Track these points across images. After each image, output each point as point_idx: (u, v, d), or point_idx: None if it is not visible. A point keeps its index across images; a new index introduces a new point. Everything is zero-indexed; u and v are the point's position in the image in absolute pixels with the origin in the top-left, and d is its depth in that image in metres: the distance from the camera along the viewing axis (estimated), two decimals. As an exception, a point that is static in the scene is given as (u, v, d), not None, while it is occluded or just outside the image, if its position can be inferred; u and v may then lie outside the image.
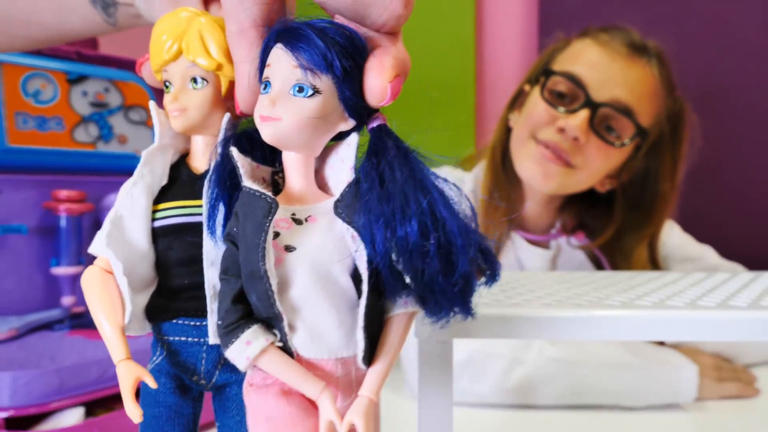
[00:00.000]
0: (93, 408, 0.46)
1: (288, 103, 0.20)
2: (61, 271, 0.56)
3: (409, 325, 0.21)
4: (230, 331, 0.20)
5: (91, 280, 0.23)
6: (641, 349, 0.60)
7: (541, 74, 0.70)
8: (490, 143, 0.76)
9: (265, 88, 0.21)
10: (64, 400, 0.45)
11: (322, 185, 0.22)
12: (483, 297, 0.31)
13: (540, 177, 0.68)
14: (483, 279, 0.21)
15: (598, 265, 0.75)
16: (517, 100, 0.75)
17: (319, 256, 0.20)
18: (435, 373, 0.30)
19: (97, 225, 0.57)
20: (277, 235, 0.20)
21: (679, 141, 0.71)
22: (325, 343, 0.20)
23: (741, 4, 1.03)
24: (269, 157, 0.23)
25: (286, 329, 0.20)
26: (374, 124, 0.21)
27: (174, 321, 0.24)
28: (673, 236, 0.78)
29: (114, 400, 0.47)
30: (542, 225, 0.77)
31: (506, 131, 0.75)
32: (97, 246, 0.23)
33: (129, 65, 0.66)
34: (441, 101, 1.16)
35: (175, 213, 0.23)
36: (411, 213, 0.19)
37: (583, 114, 0.64)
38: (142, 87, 0.66)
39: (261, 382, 0.20)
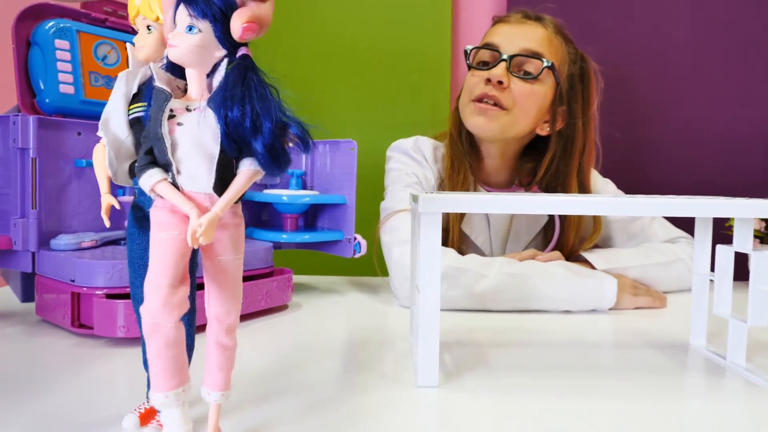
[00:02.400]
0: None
1: (182, 37, 0.31)
2: (125, 199, 0.70)
3: (251, 179, 0.32)
4: (141, 169, 0.32)
5: (96, 150, 0.39)
6: (577, 268, 0.77)
7: (466, 54, 0.90)
8: (448, 129, 0.94)
9: (174, 29, 0.34)
10: (145, 286, 0.59)
11: (211, 90, 0.33)
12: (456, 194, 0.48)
13: (484, 124, 0.87)
14: (298, 147, 0.33)
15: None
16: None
17: (196, 129, 0.31)
18: (428, 234, 0.46)
19: (153, 164, 0.71)
20: (173, 116, 0.33)
21: (587, 82, 0.91)
22: (198, 182, 0.31)
23: (676, 8, 1.22)
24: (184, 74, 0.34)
25: (175, 172, 0.31)
26: (239, 53, 0.32)
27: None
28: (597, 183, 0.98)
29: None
30: (502, 180, 0.94)
31: (458, 113, 0.93)
32: (99, 131, 0.38)
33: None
34: (421, 84, 1.31)
35: (138, 110, 0.38)
36: (236, 103, 0.30)
37: (501, 65, 0.86)
38: (182, 57, 0.80)
39: (160, 204, 0.33)
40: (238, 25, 0.31)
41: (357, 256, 0.83)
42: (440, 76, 1.32)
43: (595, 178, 0.97)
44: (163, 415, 0.32)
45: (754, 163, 1.22)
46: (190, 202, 0.31)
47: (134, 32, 0.77)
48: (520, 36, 0.87)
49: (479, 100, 0.87)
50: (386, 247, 0.82)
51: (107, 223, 0.38)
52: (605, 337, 0.65)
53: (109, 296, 0.57)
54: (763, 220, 0.91)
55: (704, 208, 0.47)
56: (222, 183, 0.32)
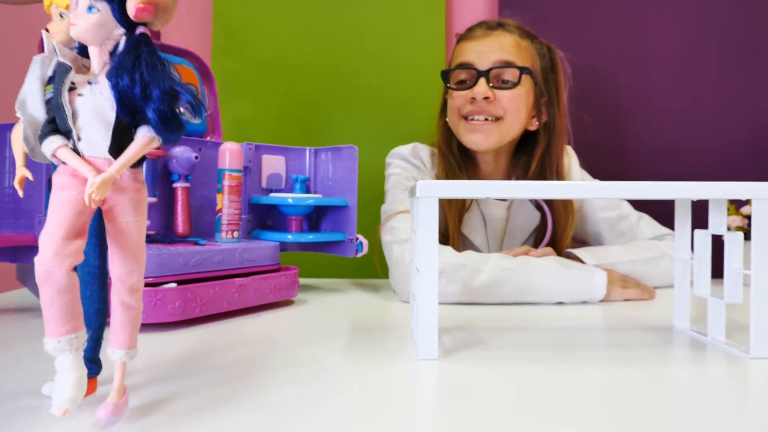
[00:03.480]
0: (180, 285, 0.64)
1: (82, 17, 0.34)
2: (141, 200, 0.74)
3: (146, 144, 0.34)
4: (43, 136, 0.34)
5: (15, 129, 0.43)
6: (568, 263, 0.81)
7: (443, 76, 0.96)
8: (437, 142, 1.00)
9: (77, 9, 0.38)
10: (162, 276, 0.63)
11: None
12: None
13: (482, 139, 0.92)
14: (189, 113, 0.35)
15: (537, 205, 0.98)
16: (445, 108, 0.99)
17: (95, 99, 0.34)
18: (426, 219, 0.50)
19: (166, 168, 0.76)
20: (74, 88, 0.34)
21: (557, 70, 0.97)
22: (96, 147, 0.34)
23: (663, 22, 1.29)
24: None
25: (75, 139, 0.34)
26: (137, 32, 0.34)
27: None
28: (579, 175, 1.03)
29: (193, 282, 0.65)
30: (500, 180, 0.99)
31: (445, 129, 0.99)
32: (17, 112, 0.39)
33: (182, 53, 0.85)
34: (417, 98, 1.37)
35: (52, 91, 0.39)
36: (126, 71, 0.33)
37: (481, 81, 0.91)
38: (192, 69, 0.85)
39: (63, 170, 0.34)
40: (132, 5, 0.33)
41: (359, 255, 0.87)
42: (435, 90, 1.37)
43: (585, 178, 1.02)
44: (56, 360, 0.33)
45: (737, 172, 1.27)
46: (90, 166, 0.33)
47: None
48: (490, 49, 0.93)
49: (470, 117, 0.92)
50: (387, 246, 0.86)
51: (21, 193, 0.42)
52: (595, 322, 0.69)
53: (129, 286, 0.61)
54: (746, 217, 0.95)
55: (679, 189, 0.52)
56: (119, 148, 0.34)
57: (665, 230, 0.98)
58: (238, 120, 1.27)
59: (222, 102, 1.27)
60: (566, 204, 0.96)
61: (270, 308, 0.74)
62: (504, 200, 0.98)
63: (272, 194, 0.88)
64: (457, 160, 0.97)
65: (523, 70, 0.91)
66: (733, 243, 0.54)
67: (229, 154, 0.78)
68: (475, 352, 0.53)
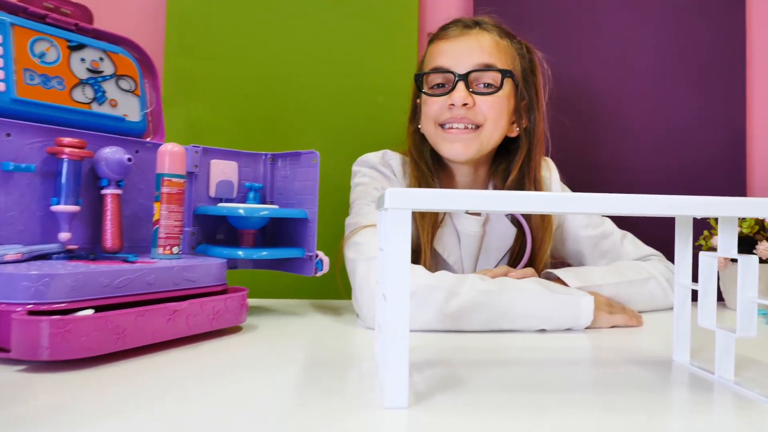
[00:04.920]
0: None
1: None
2: (60, 209, 0.63)
3: None
4: None
5: None
6: (551, 285, 0.74)
7: (417, 80, 0.87)
8: (408, 150, 0.92)
9: None
10: (77, 302, 0.52)
11: None
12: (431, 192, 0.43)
13: (461, 150, 0.84)
14: None
15: (515, 221, 0.91)
16: (415, 113, 0.91)
17: None
18: (397, 235, 0.41)
19: (93, 172, 0.66)
20: None
21: (536, 72, 0.90)
22: None
23: (640, 33, 1.25)
24: None
25: None
26: None
27: None
28: (560, 188, 0.96)
29: (118, 307, 0.54)
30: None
31: (416, 135, 0.91)
32: None
33: (119, 40, 0.75)
34: (386, 105, 1.29)
35: None
36: None
37: (460, 86, 0.83)
38: (131, 60, 0.75)
39: None
40: None
41: (319, 274, 0.78)
42: (405, 96, 1.29)
43: (566, 192, 0.95)
44: None
45: (716, 189, 1.23)
46: None
47: (78, 30, 0.72)
48: (467, 50, 0.84)
49: (447, 125, 0.84)
50: (351, 264, 0.77)
51: None
52: (584, 354, 0.61)
53: (32, 313, 0.50)
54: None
55: (684, 205, 0.44)
56: None
57: (650, 250, 0.92)
58: (193, 124, 1.16)
59: (175, 104, 1.17)
60: (544, 217, 0.88)
61: (213, 336, 0.63)
62: (479, 215, 0.90)
63: (221, 204, 0.78)
64: (430, 168, 0.89)
65: (505, 73, 0.84)
66: (748, 268, 0.47)
67: (169, 156, 0.68)
68: (451, 397, 0.44)
